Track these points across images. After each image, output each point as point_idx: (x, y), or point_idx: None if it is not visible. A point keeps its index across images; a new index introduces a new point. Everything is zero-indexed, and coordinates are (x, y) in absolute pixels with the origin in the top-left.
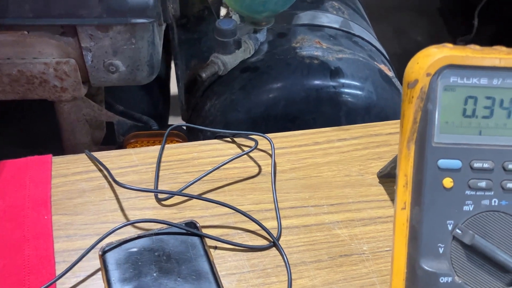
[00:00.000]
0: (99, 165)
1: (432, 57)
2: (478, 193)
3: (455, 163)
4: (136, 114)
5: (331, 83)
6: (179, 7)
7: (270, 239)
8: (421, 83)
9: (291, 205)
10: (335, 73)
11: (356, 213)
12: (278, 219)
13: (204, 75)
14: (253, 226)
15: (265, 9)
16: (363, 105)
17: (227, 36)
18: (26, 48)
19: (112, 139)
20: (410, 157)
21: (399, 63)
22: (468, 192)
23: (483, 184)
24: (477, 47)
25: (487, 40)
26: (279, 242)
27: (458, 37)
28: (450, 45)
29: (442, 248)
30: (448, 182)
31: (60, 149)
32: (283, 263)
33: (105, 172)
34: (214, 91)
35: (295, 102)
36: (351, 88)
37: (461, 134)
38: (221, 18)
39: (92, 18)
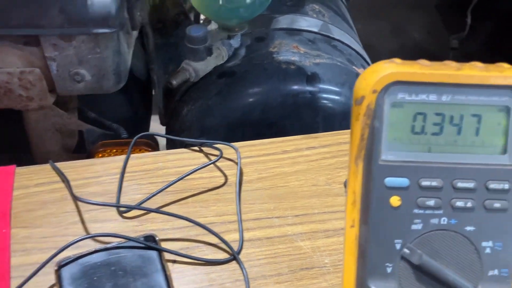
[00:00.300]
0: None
1: (378, 73)
2: (427, 211)
3: (403, 181)
4: (107, 121)
5: (308, 89)
6: (156, 12)
7: (231, 252)
8: (367, 100)
9: (255, 217)
10: (312, 78)
11: (320, 224)
12: (240, 231)
13: (174, 82)
14: (215, 239)
15: (233, 16)
16: (340, 110)
17: (198, 43)
18: None
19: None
20: (358, 174)
21: None
22: (416, 210)
23: (431, 202)
24: (427, 62)
25: (482, 37)
26: (240, 255)
27: (455, 34)
28: (398, 60)
29: (390, 268)
30: (395, 200)
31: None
32: (243, 277)
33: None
34: (191, 96)
35: (272, 107)
36: (328, 93)
37: (410, 151)
38: (201, 22)
39: (53, 28)
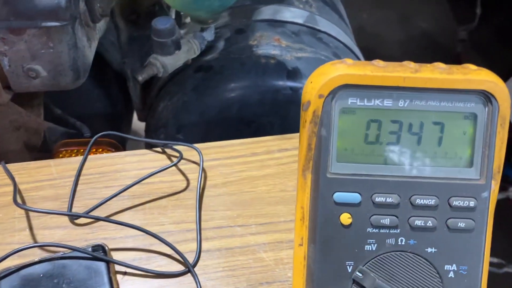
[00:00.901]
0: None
1: (325, 76)
2: (381, 231)
3: (353, 197)
4: (71, 119)
5: (289, 84)
6: (128, 3)
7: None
8: (313, 106)
9: (216, 225)
10: (293, 74)
11: (285, 233)
12: (198, 241)
13: (140, 78)
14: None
15: (201, 7)
16: None
17: (164, 36)
18: None
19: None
20: (306, 187)
21: (402, 49)
22: (370, 229)
23: (387, 221)
24: (381, 63)
25: (492, 29)
26: (197, 267)
27: (464, 24)
28: (350, 61)
29: None
30: (345, 218)
31: None
32: None
33: (19, 187)
34: (167, 91)
35: (250, 104)
36: None
37: (362, 163)
38: (182, 14)
39: None
